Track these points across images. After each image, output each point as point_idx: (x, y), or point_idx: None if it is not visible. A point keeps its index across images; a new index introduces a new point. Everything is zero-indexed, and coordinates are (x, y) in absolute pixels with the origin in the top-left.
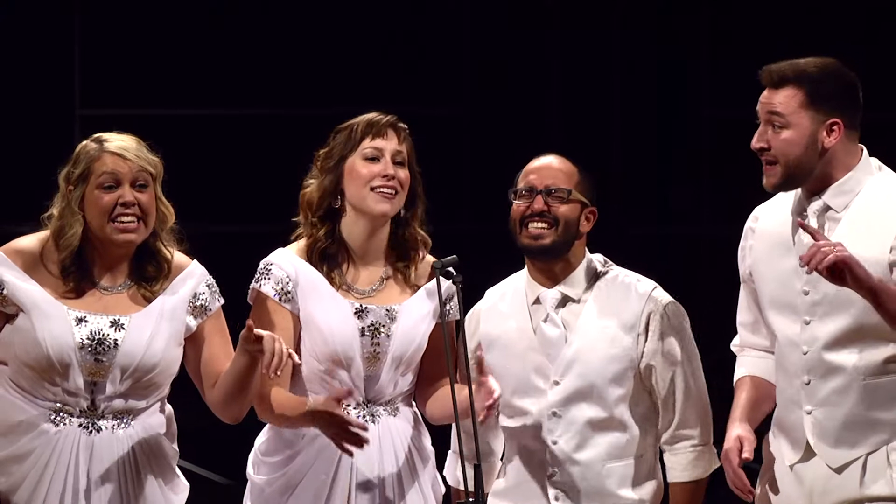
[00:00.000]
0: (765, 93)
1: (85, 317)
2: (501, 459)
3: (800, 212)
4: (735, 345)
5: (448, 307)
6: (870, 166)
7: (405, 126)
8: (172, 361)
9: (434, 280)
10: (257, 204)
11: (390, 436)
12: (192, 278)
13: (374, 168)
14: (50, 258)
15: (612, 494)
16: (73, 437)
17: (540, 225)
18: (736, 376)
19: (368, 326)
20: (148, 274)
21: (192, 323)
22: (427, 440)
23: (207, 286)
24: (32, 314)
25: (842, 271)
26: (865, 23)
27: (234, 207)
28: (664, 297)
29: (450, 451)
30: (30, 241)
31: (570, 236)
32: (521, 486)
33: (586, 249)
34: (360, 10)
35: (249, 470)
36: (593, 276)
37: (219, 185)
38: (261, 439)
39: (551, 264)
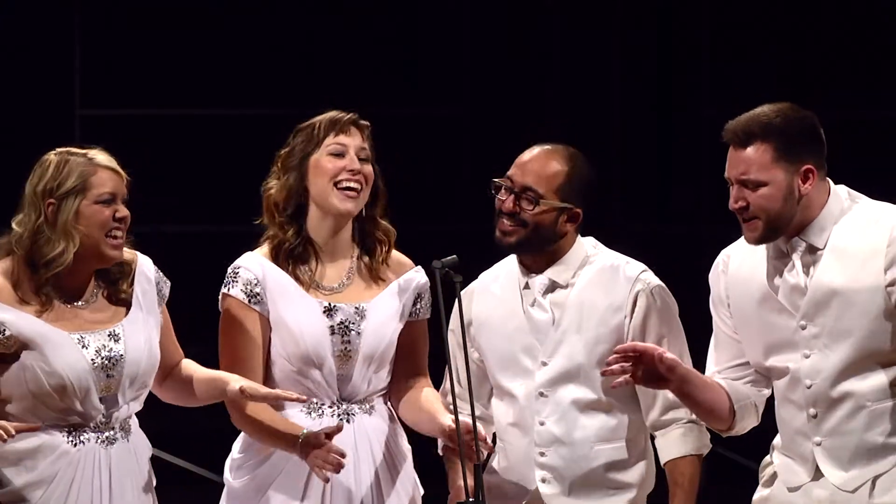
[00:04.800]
0: (732, 153)
1: (83, 337)
2: (495, 440)
3: (779, 255)
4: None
5: (418, 306)
6: (839, 197)
7: (367, 123)
8: (159, 356)
9: (404, 276)
10: (257, 203)
11: (366, 435)
12: (147, 269)
13: (339, 163)
14: (21, 286)
15: (599, 477)
16: (94, 454)
17: (507, 223)
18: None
19: (338, 325)
20: (112, 277)
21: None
22: (403, 438)
23: (158, 273)
24: (44, 347)
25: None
26: (865, 23)
27: (235, 207)
28: (652, 279)
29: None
30: None
31: (542, 238)
32: (511, 467)
33: (577, 236)
34: (360, 10)
35: (227, 474)
36: (582, 261)
37: (219, 185)
38: (237, 442)
39: (535, 255)
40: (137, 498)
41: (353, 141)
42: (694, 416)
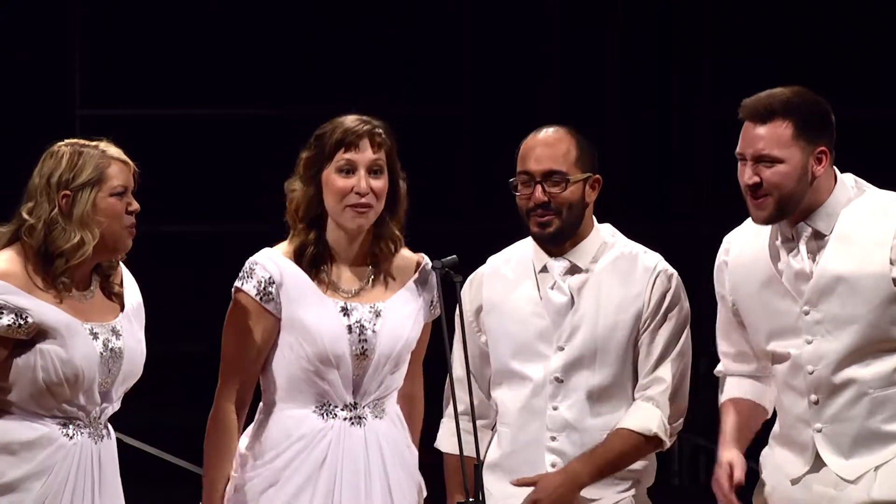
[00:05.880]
0: (750, 129)
1: (92, 328)
2: (493, 428)
3: (783, 239)
4: (718, 371)
5: (433, 307)
6: (846, 185)
7: (381, 131)
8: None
9: (418, 276)
10: (257, 204)
11: (376, 439)
12: (124, 270)
13: (348, 182)
14: (37, 275)
15: None
16: (87, 449)
17: (544, 215)
18: (721, 400)
19: (355, 323)
20: (104, 273)
21: None
22: (410, 440)
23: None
24: (65, 336)
25: None
26: (865, 23)
27: (234, 207)
28: (669, 268)
29: (444, 420)
30: (9, 265)
31: (576, 214)
32: (516, 454)
33: (594, 219)
34: (360, 10)
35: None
36: (601, 247)
37: (218, 185)
38: (245, 439)
39: (567, 239)
40: (115, 493)
41: (363, 156)
42: (656, 396)
